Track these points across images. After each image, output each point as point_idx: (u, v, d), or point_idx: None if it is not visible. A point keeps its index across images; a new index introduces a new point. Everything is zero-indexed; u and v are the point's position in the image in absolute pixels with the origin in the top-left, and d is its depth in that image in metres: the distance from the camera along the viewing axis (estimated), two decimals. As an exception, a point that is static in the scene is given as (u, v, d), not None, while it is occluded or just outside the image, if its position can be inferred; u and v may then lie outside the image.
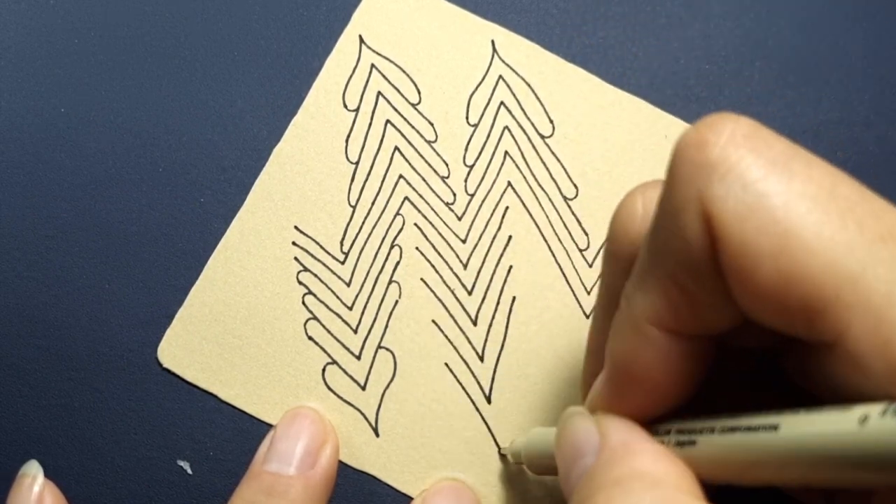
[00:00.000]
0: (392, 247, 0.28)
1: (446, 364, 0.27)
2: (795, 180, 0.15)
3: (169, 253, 0.27)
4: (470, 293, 0.28)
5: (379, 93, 0.29)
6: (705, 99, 0.29)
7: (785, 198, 0.15)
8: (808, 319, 0.15)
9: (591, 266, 0.28)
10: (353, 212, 0.28)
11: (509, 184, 0.28)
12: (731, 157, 0.15)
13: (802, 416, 0.15)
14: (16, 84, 0.29)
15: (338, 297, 0.27)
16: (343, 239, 0.28)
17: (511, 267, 0.28)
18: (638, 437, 0.18)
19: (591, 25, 0.30)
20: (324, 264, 0.28)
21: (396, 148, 0.29)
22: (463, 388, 0.27)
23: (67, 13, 0.29)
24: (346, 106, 0.29)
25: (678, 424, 0.18)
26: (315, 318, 0.27)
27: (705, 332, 0.17)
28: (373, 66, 0.29)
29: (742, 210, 0.15)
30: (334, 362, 0.27)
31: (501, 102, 0.29)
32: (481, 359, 0.27)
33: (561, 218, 0.28)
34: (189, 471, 0.26)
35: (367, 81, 0.29)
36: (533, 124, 0.29)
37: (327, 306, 0.27)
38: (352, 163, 0.28)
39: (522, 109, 0.29)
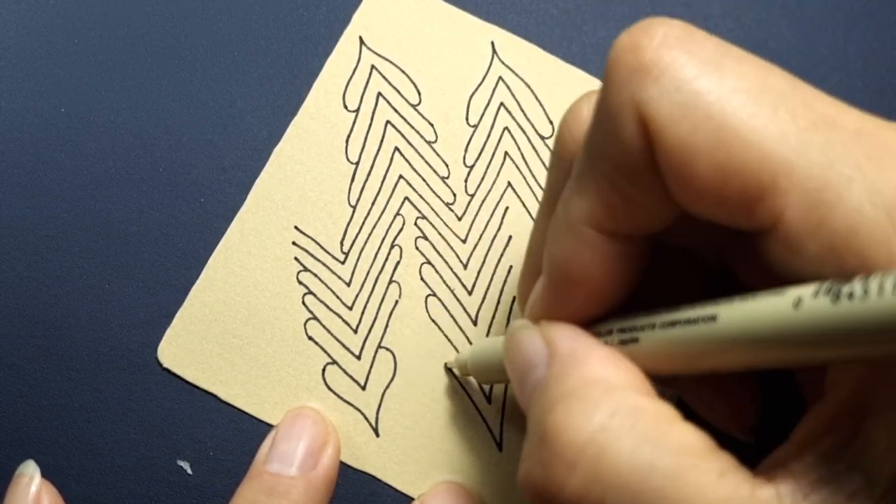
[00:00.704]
0: (392, 247, 0.28)
1: (446, 364, 0.27)
2: (728, 77, 0.15)
3: (169, 253, 0.27)
4: (470, 293, 0.28)
5: (379, 93, 0.29)
6: (706, 98, 0.29)
7: (718, 94, 0.15)
8: (746, 209, 0.15)
9: (590, 266, 0.28)
10: (354, 212, 0.28)
11: (509, 184, 0.29)
12: (663, 59, 0.16)
13: (738, 303, 0.15)
14: (16, 84, 0.29)
15: (338, 296, 0.27)
16: (343, 239, 0.28)
17: (511, 267, 0.28)
18: (584, 343, 0.18)
19: (591, 25, 0.30)
20: (324, 264, 0.28)
21: (396, 148, 0.29)
22: (463, 387, 0.27)
23: (67, 13, 0.29)
24: (346, 107, 0.29)
25: (619, 323, 0.18)
26: (315, 317, 0.27)
27: (642, 231, 0.18)
28: (373, 67, 0.29)
29: (677, 110, 0.15)
30: (334, 362, 0.27)
31: (501, 103, 0.29)
32: (481, 359, 0.27)
33: (561, 218, 0.28)
34: (189, 471, 0.26)
35: (368, 82, 0.29)
36: (533, 125, 0.29)
37: (327, 306, 0.27)
38: (352, 163, 0.28)
39: (522, 110, 0.29)
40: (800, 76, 0.28)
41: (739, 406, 0.21)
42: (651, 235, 0.18)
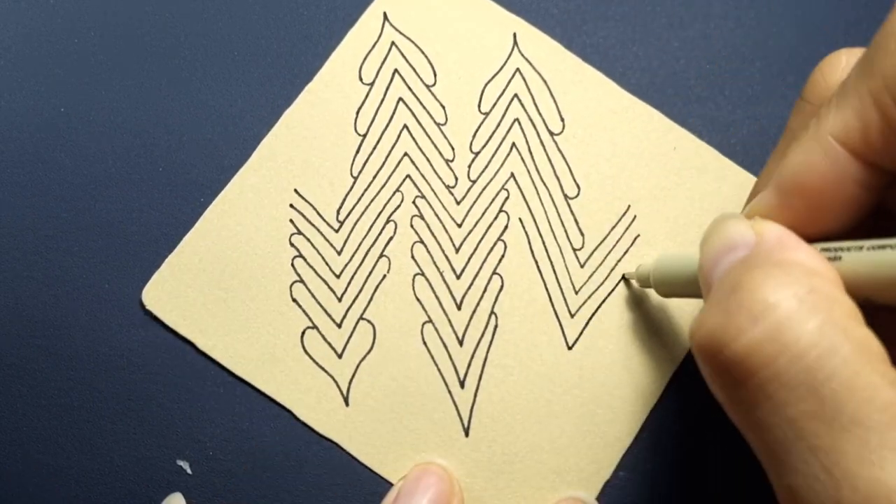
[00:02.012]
0: (388, 222, 0.28)
1: (425, 343, 0.27)
2: None
3: (168, 253, 0.27)
4: (458, 277, 0.28)
5: (395, 70, 0.29)
6: (705, 99, 0.29)
7: None
8: None
9: (582, 266, 0.28)
10: (354, 183, 0.28)
11: (512, 175, 0.28)
12: None
13: None
14: (16, 84, 0.29)
15: (327, 263, 0.28)
16: (340, 208, 0.28)
17: (502, 256, 0.28)
18: (793, 238, 0.18)
19: (592, 25, 0.30)
20: (318, 230, 0.28)
21: (405, 126, 0.29)
22: (438, 369, 0.27)
23: (67, 13, 0.30)
24: (361, 79, 0.29)
25: (824, 245, 0.18)
26: (301, 281, 0.27)
27: (887, 162, 0.17)
28: (393, 43, 0.29)
29: None
30: (314, 327, 0.27)
31: (515, 95, 0.29)
32: (461, 343, 0.27)
33: (559, 215, 0.28)
34: (189, 471, 0.26)
35: (386, 58, 0.29)
36: (544, 120, 0.29)
37: (315, 271, 0.27)
38: (359, 135, 0.29)
39: (535, 104, 0.29)
40: (800, 76, 0.28)
41: None
42: (889, 175, 0.18)
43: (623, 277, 0.27)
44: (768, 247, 0.18)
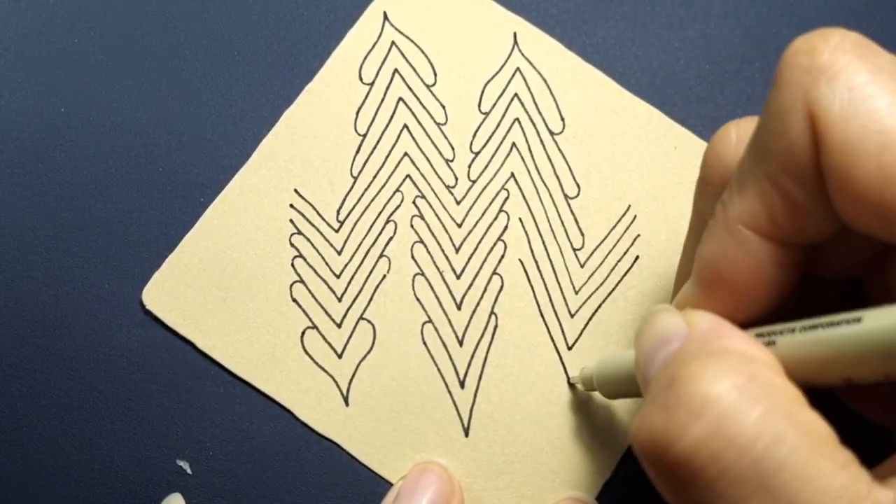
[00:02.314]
0: (388, 222, 0.28)
1: (425, 343, 0.27)
2: None
3: (168, 253, 0.27)
4: (458, 277, 0.28)
5: (396, 70, 0.29)
6: (705, 99, 0.29)
7: (889, 100, 0.16)
8: None
9: (582, 266, 0.28)
10: (354, 183, 0.28)
11: (512, 175, 0.28)
12: (838, 61, 0.16)
13: (885, 309, 0.15)
14: (16, 84, 0.29)
15: (327, 263, 0.28)
16: (340, 208, 0.28)
17: (502, 256, 0.28)
18: (726, 325, 0.18)
19: (592, 25, 0.30)
20: (318, 230, 0.28)
21: (405, 126, 0.29)
22: (438, 369, 0.27)
23: (67, 13, 0.30)
24: (361, 79, 0.29)
25: (756, 330, 0.18)
26: (302, 281, 0.27)
27: (799, 239, 0.18)
28: (393, 43, 0.29)
29: (847, 111, 0.16)
30: (314, 327, 0.27)
31: (515, 94, 0.29)
32: (460, 343, 0.27)
33: (559, 215, 0.28)
34: (189, 471, 0.26)
35: (386, 58, 0.29)
36: (544, 119, 0.29)
37: (315, 271, 0.27)
38: (359, 135, 0.29)
39: (535, 104, 0.29)
40: None
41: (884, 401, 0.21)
42: (804, 249, 0.18)
43: (568, 383, 0.26)
44: (701, 336, 0.17)
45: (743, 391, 0.15)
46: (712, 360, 0.16)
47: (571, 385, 0.27)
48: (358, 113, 0.29)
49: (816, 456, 0.15)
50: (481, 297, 0.28)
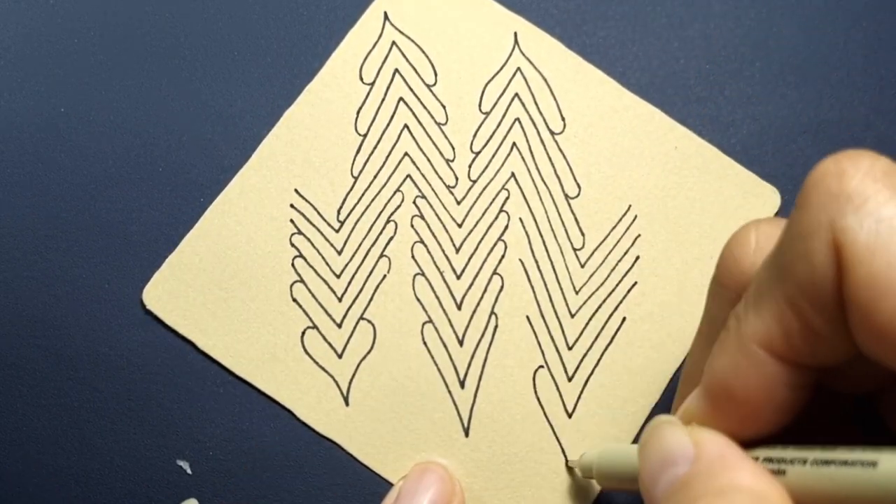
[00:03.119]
0: (388, 222, 0.28)
1: (425, 343, 0.27)
2: None
3: (168, 253, 0.27)
4: (458, 277, 0.28)
5: (396, 70, 0.29)
6: (705, 99, 0.29)
7: None
8: None
9: (583, 266, 0.28)
10: (355, 183, 0.28)
11: (513, 175, 0.28)
12: (867, 190, 0.15)
13: None
14: (16, 84, 0.29)
15: (327, 263, 0.28)
16: (341, 208, 0.28)
17: (502, 256, 0.28)
18: (735, 452, 0.17)
19: (592, 25, 0.30)
20: (318, 230, 0.28)
21: (406, 126, 0.29)
22: (438, 369, 0.27)
23: (67, 13, 0.30)
24: (361, 79, 0.29)
25: (766, 452, 0.17)
26: (302, 281, 0.27)
27: (813, 363, 0.17)
28: (394, 43, 0.29)
29: (874, 243, 0.15)
30: (315, 327, 0.27)
31: (516, 94, 0.29)
32: (461, 343, 0.27)
33: (560, 215, 0.28)
34: (189, 471, 0.26)
35: (386, 58, 0.29)
36: (545, 119, 0.29)
37: (316, 271, 0.27)
38: (360, 135, 0.29)
39: (536, 104, 0.29)
40: (800, 76, 0.28)
41: None
42: (818, 370, 0.18)
43: (567, 466, 0.26)
44: (709, 466, 0.17)
45: None
46: (720, 500, 0.16)
47: (570, 469, 0.26)
48: (358, 113, 0.29)
49: None
50: (481, 297, 0.27)
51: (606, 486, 0.25)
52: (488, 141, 0.29)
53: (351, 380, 0.27)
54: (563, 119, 0.29)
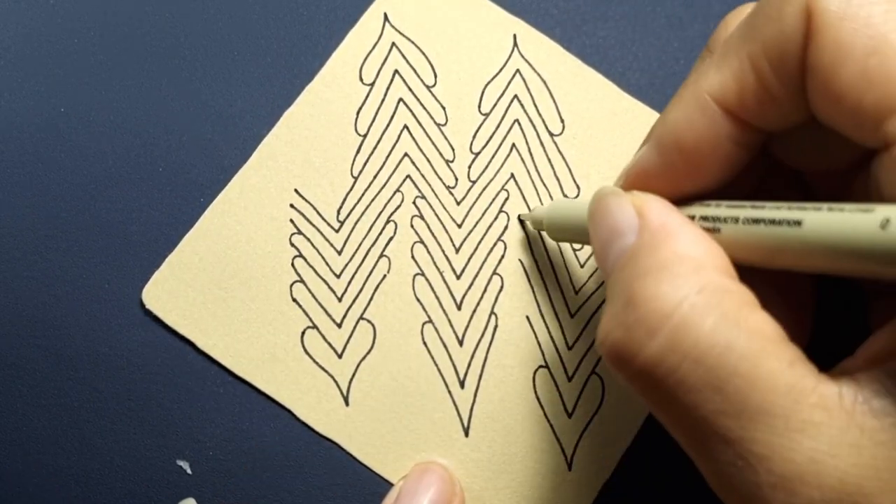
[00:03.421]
0: (388, 222, 0.28)
1: (425, 343, 0.27)
2: None
3: (168, 253, 0.27)
4: (458, 277, 0.28)
5: (396, 71, 0.29)
6: (707, 100, 0.29)
7: (887, 7, 0.16)
8: (875, 121, 0.16)
9: (582, 266, 0.28)
10: (355, 183, 0.28)
11: (512, 175, 0.29)
12: None
13: (825, 213, 0.16)
14: (16, 84, 0.29)
15: (327, 263, 0.28)
16: (341, 208, 0.28)
17: (502, 257, 0.28)
18: (676, 219, 0.18)
19: (591, 26, 0.30)
20: (318, 230, 0.28)
21: (406, 126, 0.29)
22: (438, 369, 0.27)
23: (67, 13, 0.29)
24: (361, 79, 0.29)
25: (701, 210, 0.19)
26: (302, 281, 0.27)
27: (761, 124, 0.18)
28: (393, 44, 0.29)
29: (845, 10, 0.16)
30: (315, 327, 0.27)
31: (515, 96, 0.29)
32: (461, 343, 0.27)
33: (559, 216, 0.28)
34: (189, 471, 0.26)
35: (386, 58, 0.29)
36: (544, 121, 0.29)
37: (315, 271, 0.27)
38: (360, 135, 0.29)
39: (535, 105, 0.29)
40: None
41: (794, 318, 0.21)
42: (765, 134, 0.19)
43: (519, 218, 0.28)
44: (652, 238, 0.18)
45: (695, 305, 0.16)
46: (665, 275, 0.17)
47: (521, 221, 0.28)
48: (358, 113, 0.29)
49: (764, 358, 0.16)
50: (481, 297, 0.28)
51: (556, 238, 0.26)
52: (488, 142, 0.29)
53: (351, 380, 0.27)
54: (562, 121, 0.29)
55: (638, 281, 0.17)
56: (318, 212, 0.28)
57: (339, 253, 0.28)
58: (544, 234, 0.27)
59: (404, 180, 0.28)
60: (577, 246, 0.28)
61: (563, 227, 0.25)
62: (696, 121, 0.19)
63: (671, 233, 0.18)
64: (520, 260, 0.28)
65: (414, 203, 0.28)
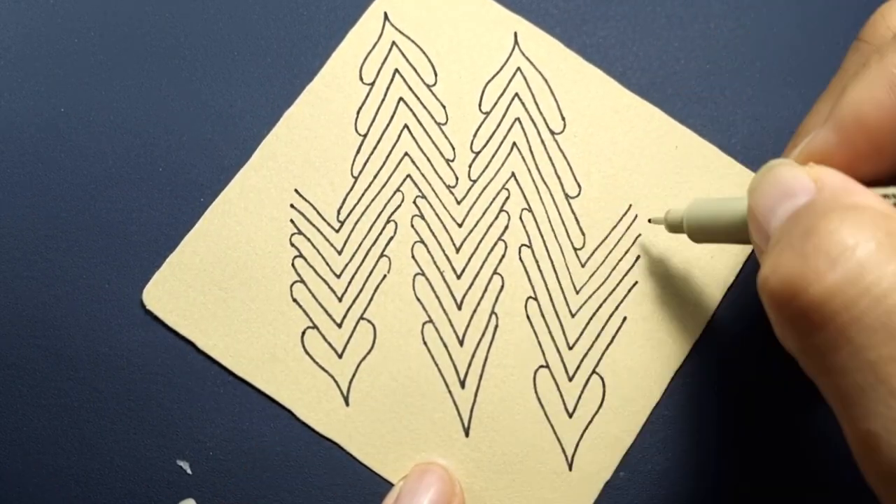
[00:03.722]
0: (388, 222, 0.28)
1: (425, 343, 0.27)
2: None
3: (168, 253, 0.27)
4: (459, 277, 0.28)
5: (396, 70, 0.29)
6: (705, 99, 0.29)
7: None
8: None
9: (583, 266, 0.28)
10: (355, 183, 0.28)
11: (513, 174, 0.28)
12: None
13: None
14: (16, 84, 0.29)
15: (327, 263, 0.28)
16: (341, 208, 0.28)
17: (503, 256, 0.28)
18: (856, 184, 0.18)
19: (592, 25, 0.30)
20: (318, 230, 0.28)
21: (406, 126, 0.29)
22: (438, 369, 0.27)
23: (67, 13, 0.29)
24: (361, 79, 0.29)
25: (883, 190, 0.18)
26: (302, 281, 0.27)
27: None
28: (394, 43, 0.29)
29: None
30: (315, 327, 0.27)
31: (516, 94, 0.29)
32: (461, 343, 0.27)
33: (560, 215, 0.28)
34: (189, 471, 0.26)
35: (386, 58, 0.29)
36: (545, 119, 0.29)
37: (316, 271, 0.27)
38: (360, 135, 0.29)
39: (536, 103, 0.29)
40: (800, 76, 0.28)
41: None
42: None
43: (648, 221, 0.27)
44: (834, 193, 0.17)
45: (881, 244, 0.15)
46: (850, 213, 0.16)
47: (649, 220, 0.27)
48: (358, 113, 0.29)
49: None
50: (482, 296, 0.27)
51: (697, 239, 0.25)
52: (488, 141, 0.29)
53: (351, 380, 0.27)
54: (563, 119, 0.29)
55: (822, 217, 0.16)
56: (318, 212, 0.28)
57: (340, 253, 0.28)
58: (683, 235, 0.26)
59: (404, 180, 0.28)
60: (578, 245, 0.28)
61: (712, 226, 0.23)
62: (885, 98, 0.18)
63: (854, 191, 0.17)
64: (520, 259, 0.28)
65: (414, 202, 0.28)
